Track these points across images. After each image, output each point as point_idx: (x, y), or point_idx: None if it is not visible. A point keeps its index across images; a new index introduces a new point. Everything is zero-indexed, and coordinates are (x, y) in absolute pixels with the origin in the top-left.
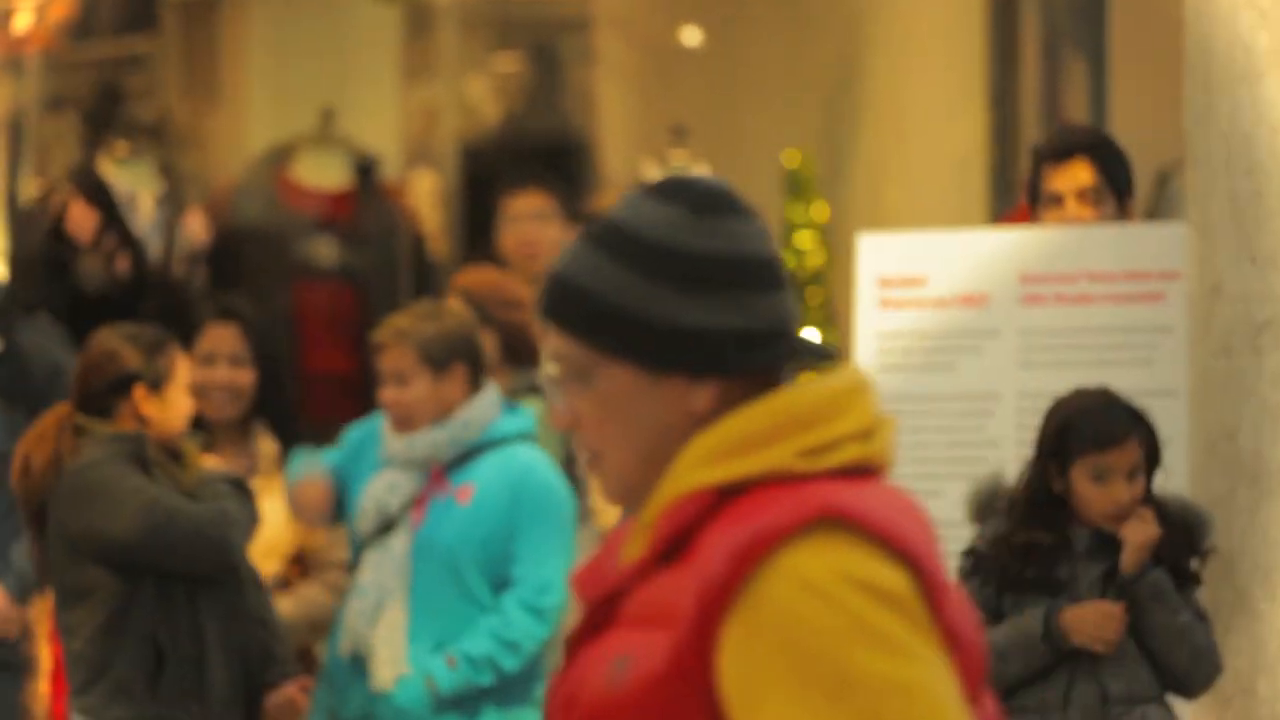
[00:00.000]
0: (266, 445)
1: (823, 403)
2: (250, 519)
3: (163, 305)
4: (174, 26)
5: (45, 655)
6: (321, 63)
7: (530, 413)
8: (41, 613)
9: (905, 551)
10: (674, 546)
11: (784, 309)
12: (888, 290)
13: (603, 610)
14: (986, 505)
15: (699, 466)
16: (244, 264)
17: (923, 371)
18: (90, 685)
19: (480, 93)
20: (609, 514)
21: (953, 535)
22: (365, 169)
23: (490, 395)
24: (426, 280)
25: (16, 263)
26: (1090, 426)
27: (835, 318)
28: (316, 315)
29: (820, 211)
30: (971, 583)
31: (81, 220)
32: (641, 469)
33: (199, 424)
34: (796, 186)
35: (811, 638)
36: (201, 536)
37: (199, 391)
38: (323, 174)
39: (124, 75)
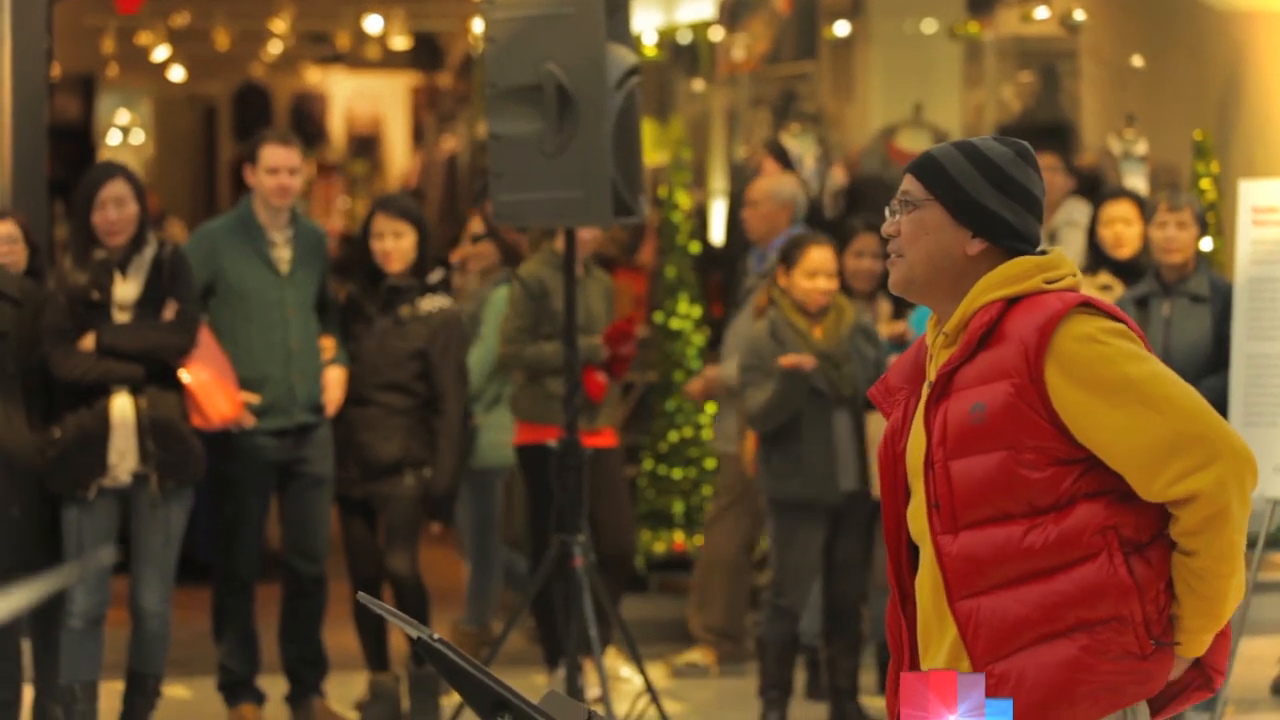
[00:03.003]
0: (885, 306)
1: (1054, 258)
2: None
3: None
4: (826, 55)
5: None
6: (905, 79)
7: None
8: None
9: (1123, 319)
10: (985, 336)
11: (1035, 227)
12: (1258, 215)
13: (940, 385)
14: None
15: (992, 290)
16: (865, 201)
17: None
18: None
19: (1010, 97)
20: None
21: None
22: (939, 141)
23: None
24: None
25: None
26: None
27: (1224, 231)
28: None
29: (1215, 168)
30: None
31: (770, 173)
32: (925, 272)
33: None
34: (1202, 153)
35: (1100, 366)
36: None
37: (851, 274)
38: (915, 144)
39: (796, 84)
